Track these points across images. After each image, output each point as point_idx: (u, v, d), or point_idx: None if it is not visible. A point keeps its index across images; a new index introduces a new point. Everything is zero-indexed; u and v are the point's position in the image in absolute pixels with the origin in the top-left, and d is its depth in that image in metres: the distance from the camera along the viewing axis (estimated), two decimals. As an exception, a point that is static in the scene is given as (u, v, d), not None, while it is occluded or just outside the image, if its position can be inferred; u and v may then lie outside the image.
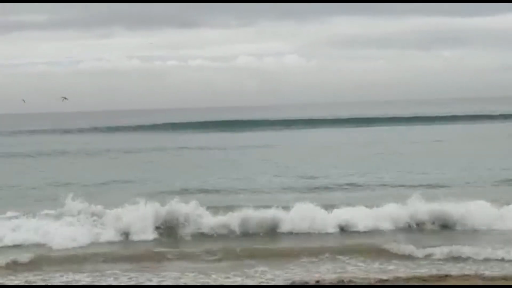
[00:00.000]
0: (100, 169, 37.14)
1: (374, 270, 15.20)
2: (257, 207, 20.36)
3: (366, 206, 20.52)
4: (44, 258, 16.80)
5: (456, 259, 16.06)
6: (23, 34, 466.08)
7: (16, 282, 14.84)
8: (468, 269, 15.13)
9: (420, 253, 16.49)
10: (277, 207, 20.18)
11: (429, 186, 26.47)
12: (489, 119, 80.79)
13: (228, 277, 14.85)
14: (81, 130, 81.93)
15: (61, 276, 15.32)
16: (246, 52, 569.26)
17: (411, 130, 65.77)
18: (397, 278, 14.29)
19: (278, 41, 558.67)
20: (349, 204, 20.85)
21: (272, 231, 19.70)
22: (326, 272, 15.06)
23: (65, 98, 32.06)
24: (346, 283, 14.05)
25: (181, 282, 14.61)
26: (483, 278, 14.20)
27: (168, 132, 74.36)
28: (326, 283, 14.07)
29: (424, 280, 14.03)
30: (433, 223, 19.93)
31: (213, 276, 15.01)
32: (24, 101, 37.16)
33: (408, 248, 16.77)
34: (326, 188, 27.05)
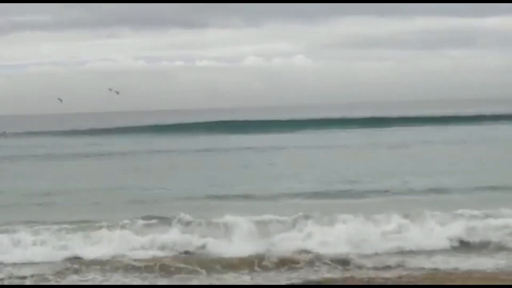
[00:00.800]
0: (102, 173, 36.32)
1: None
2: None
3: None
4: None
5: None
6: (27, 35, 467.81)
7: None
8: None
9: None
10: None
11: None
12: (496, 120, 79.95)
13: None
14: (85, 132, 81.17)
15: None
16: (253, 53, 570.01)
17: (426, 131, 64.38)
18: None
19: (285, 41, 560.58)
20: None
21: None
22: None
23: (116, 92, 30.53)
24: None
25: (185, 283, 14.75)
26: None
27: (174, 134, 73.84)
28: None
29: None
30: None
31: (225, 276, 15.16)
32: (61, 100, 36.07)
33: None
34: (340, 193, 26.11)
